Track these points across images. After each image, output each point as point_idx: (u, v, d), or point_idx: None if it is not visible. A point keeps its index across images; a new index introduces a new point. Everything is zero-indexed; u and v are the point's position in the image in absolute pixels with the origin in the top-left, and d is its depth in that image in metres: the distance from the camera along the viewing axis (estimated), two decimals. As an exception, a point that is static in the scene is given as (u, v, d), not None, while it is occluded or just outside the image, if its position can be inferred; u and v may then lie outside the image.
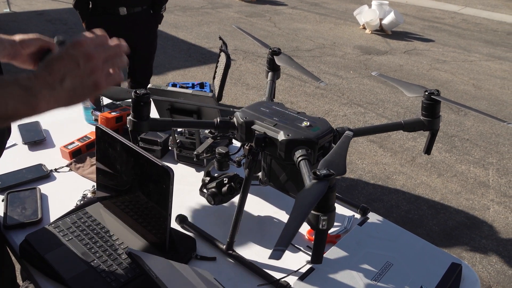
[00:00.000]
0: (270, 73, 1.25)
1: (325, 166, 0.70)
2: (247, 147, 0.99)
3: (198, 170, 1.38)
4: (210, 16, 7.21)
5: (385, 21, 6.57)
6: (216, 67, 3.91)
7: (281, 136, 0.91)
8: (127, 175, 1.01)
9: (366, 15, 6.60)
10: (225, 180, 1.11)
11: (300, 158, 0.86)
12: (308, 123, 0.95)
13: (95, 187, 1.24)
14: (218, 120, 0.99)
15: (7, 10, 6.57)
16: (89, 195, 1.22)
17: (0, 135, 0.99)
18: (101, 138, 1.05)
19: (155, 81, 4.29)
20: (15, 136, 1.48)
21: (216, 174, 1.17)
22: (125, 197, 1.03)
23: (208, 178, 1.15)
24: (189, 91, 1.22)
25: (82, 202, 1.18)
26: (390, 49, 6.01)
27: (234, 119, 1.00)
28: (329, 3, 8.96)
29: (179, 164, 1.40)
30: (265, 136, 0.94)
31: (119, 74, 0.71)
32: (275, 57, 1.23)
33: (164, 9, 2.93)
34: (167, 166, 0.89)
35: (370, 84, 4.67)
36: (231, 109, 1.01)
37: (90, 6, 2.69)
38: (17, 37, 0.86)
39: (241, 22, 6.94)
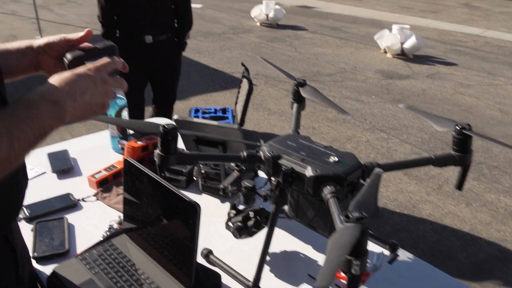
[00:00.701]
0: (295, 105, 1.25)
1: (356, 207, 0.68)
2: (274, 182, 0.98)
3: (223, 201, 1.37)
4: (231, 41, 7.34)
5: (406, 45, 6.55)
6: (238, 92, 3.96)
7: (308, 172, 0.90)
8: (154, 207, 1.01)
9: (387, 39, 6.61)
10: (251, 214, 1.10)
11: (329, 196, 0.84)
12: (336, 159, 0.94)
13: (122, 217, 1.25)
14: (245, 154, 0.99)
15: (38, 37, 6.85)
16: (115, 226, 1.22)
17: (17, 184, 0.82)
18: (129, 171, 1.06)
19: (178, 106, 4.35)
20: (44, 164, 1.51)
21: (241, 207, 1.17)
22: (151, 230, 1.03)
23: (234, 212, 1.14)
24: (215, 123, 1.23)
25: (108, 233, 1.19)
26: (412, 73, 5.97)
27: (261, 153, 1.00)
28: (349, 27, 9.02)
29: (203, 194, 1.40)
30: (292, 171, 0.93)
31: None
32: (300, 88, 1.23)
33: (188, 37, 3.00)
34: (194, 201, 0.89)
35: (393, 109, 4.63)
36: (258, 143, 1.01)
37: (118, 34, 2.78)
38: (38, 41, 0.83)
39: (262, 47, 7.03)
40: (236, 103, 3.99)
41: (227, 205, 1.36)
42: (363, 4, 12.03)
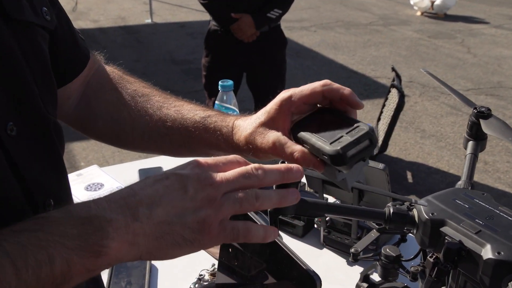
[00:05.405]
0: (470, 143, 1.12)
1: None
2: (431, 259, 0.87)
3: (351, 264, 1.29)
4: (380, 35, 7.19)
5: None
6: (383, 105, 3.83)
7: (486, 253, 0.79)
8: (258, 265, 0.97)
9: None
10: (391, 294, 1.00)
11: (520, 297, 0.72)
12: (534, 236, 0.81)
13: (216, 267, 1.24)
14: (391, 211, 0.90)
15: (149, 21, 7.50)
16: (207, 277, 1.22)
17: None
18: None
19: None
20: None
21: (376, 277, 1.08)
22: (251, 294, 1.00)
23: (365, 285, 1.06)
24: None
25: (197, 285, 1.19)
26: None
27: (415, 213, 0.90)
28: (553, 22, 8.20)
29: (325, 249, 1.34)
30: (460, 247, 0.82)
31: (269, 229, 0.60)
32: (481, 121, 1.09)
33: (274, 16, 2.90)
34: (314, 272, 0.83)
35: None
36: (412, 201, 0.91)
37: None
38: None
39: (421, 45, 6.75)
40: (379, 119, 3.86)
41: (356, 270, 1.27)
42: None
